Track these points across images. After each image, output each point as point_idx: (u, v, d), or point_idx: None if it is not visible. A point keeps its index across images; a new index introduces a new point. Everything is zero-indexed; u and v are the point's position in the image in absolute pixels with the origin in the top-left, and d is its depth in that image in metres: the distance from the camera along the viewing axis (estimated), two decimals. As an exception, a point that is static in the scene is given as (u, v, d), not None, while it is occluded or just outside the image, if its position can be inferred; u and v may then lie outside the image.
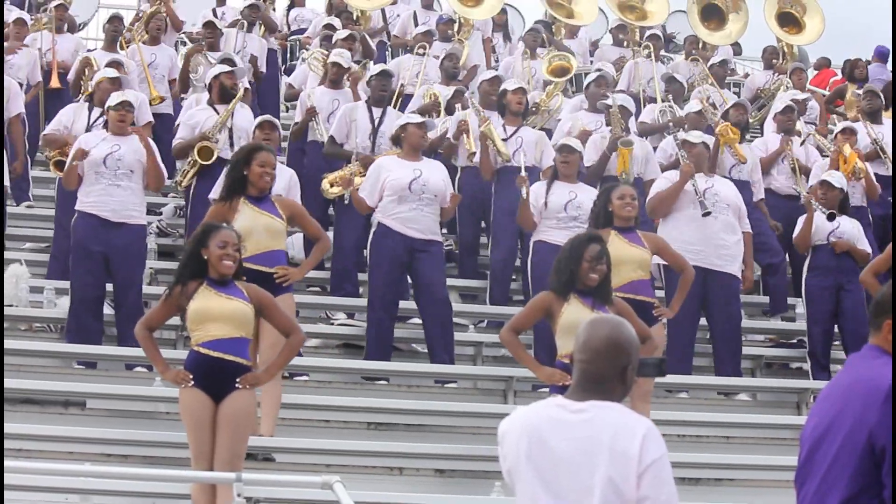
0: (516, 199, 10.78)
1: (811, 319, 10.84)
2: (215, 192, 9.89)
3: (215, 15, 15.67)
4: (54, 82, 13.43)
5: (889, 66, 17.06)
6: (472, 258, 11.81)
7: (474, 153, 11.41)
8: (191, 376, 7.29)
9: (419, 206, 10.05)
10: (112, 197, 9.89)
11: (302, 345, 8.01)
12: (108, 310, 10.09)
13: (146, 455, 8.44)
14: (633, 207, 8.99)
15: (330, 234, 10.79)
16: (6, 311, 10.20)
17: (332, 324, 11.15)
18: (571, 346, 4.36)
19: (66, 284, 10.59)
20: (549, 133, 12.61)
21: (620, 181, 11.07)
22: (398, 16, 16.65)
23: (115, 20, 13.91)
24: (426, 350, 10.32)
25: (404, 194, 10.03)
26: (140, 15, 15.11)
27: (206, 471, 7.19)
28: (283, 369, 8.11)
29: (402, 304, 10.38)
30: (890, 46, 16.97)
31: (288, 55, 16.56)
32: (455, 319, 10.56)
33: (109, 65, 11.89)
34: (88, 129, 10.67)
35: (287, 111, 15.72)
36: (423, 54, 14.37)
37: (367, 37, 14.81)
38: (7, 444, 7.71)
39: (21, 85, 12.80)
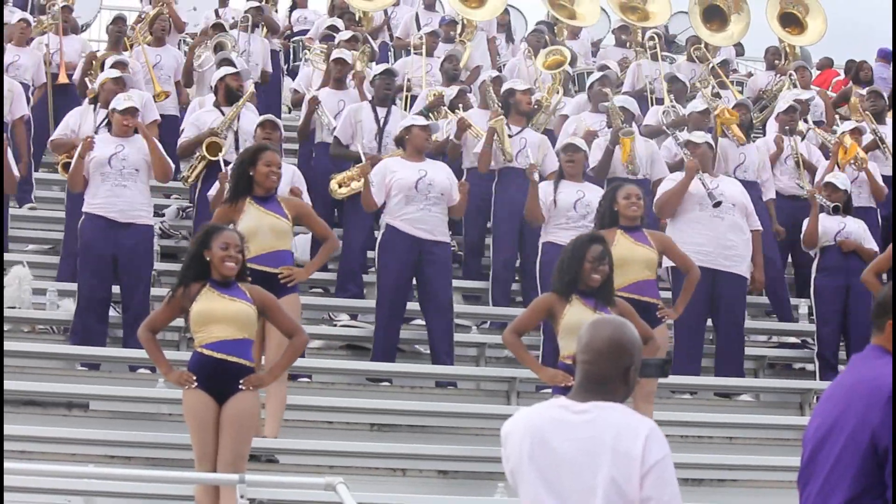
0: (517, 200, 10.81)
1: (821, 319, 10.86)
2: (214, 189, 9.93)
3: (218, 16, 15.68)
4: (62, 78, 13.44)
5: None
6: (476, 259, 11.81)
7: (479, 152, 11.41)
8: (194, 378, 7.29)
9: (427, 205, 10.05)
10: (119, 197, 9.90)
11: (305, 346, 8.02)
12: (112, 312, 10.10)
13: (149, 457, 8.45)
14: (639, 207, 8.98)
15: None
16: (9, 312, 10.22)
17: (335, 325, 11.15)
18: (574, 347, 4.37)
19: (68, 286, 10.62)
20: (551, 133, 12.61)
21: (627, 171, 11.09)
22: (394, 13, 16.67)
23: (118, 21, 13.92)
24: (427, 351, 10.33)
25: (411, 194, 10.03)
26: (142, 16, 15.12)
27: (209, 472, 7.20)
28: (286, 370, 8.11)
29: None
30: (890, 47, 16.95)
31: (290, 56, 16.56)
32: (458, 321, 10.58)
33: (114, 65, 11.90)
34: (95, 131, 10.66)
35: (289, 112, 15.74)
36: (420, 53, 14.40)
37: (369, 38, 14.81)
38: (10, 445, 7.74)
39: (28, 86, 12.84)
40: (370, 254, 11.09)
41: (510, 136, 11.39)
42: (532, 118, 12.48)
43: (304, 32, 16.65)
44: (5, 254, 11.01)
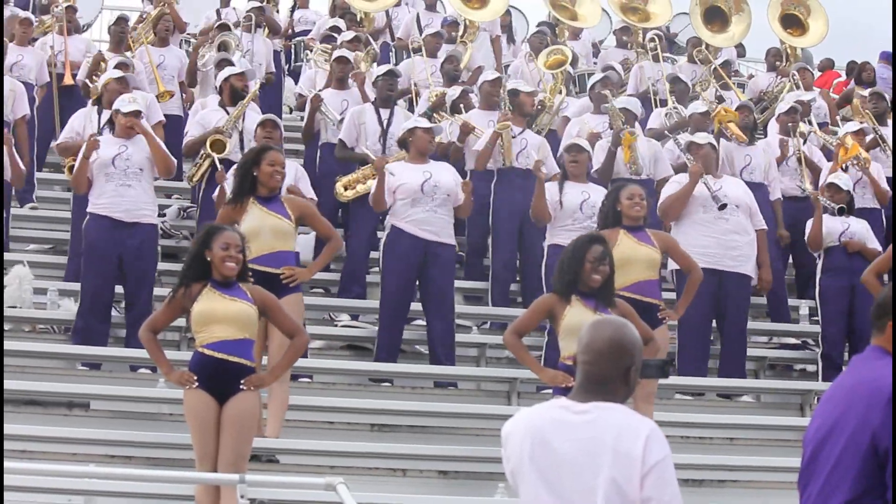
0: (517, 200, 10.82)
1: (826, 320, 10.87)
2: (217, 191, 9.92)
3: (219, 16, 15.68)
4: (67, 79, 13.44)
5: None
6: (479, 260, 11.81)
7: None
8: (195, 378, 7.30)
9: (432, 207, 10.05)
10: (124, 197, 9.92)
11: (306, 346, 8.02)
12: (113, 311, 10.10)
13: (150, 456, 8.46)
14: (642, 207, 8.97)
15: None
16: (10, 312, 10.22)
17: (336, 325, 11.15)
18: (574, 348, 4.37)
19: (68, 286, 10.62)
20: (555, 134, 12.60)
21: (630, 171, 11.07)
22: (395, 14, 16.68)
23: (120, 21, 13.92)
24: (428, 352, 10.33)
25: (417, 196, 10.03)
26: (143, 16, 15.12)
27: (209, 472, 7.20)
28: (287, 371, 8.11)
29: (406, 305, 10.40)
30: (890, 47, 16.96)
31: (292, 56, 16.56)
32: (459, 321, 10.58)
33: (117, 66, 11.90)
34: (99, 132, 10.67)
35: (290, 112, 15.74)
36: (421, 54, 14.41)
37: (370, 39, 14.81)
38: (11, 445, 7.74)
39: (32, 86, 12.84)
40: (373, 254, 11.10)
41: (513, 137, 11.39)
42: (535, 119, 12.49)
43: (306, 33, 16.66)
44: (6, 253, 11.01)
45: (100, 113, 11.13)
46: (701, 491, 8.94)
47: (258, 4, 15.13)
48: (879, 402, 4.02)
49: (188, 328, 7.74)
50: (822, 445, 4.15)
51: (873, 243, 10.95)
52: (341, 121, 11.73)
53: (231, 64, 12.09)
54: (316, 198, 10.39)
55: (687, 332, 10.28)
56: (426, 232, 10.05)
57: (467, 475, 8.86)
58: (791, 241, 11.81)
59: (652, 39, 15.16)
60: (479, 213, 11.42)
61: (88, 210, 10.01)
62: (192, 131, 11.26)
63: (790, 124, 12.54)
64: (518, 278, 11.52)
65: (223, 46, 13.55)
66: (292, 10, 17.99)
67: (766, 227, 10.80)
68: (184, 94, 13.64)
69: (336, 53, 12.81)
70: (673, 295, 10.11)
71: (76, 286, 10.31)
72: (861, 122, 13.01)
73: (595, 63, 16.13)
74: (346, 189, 11.31)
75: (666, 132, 12.44)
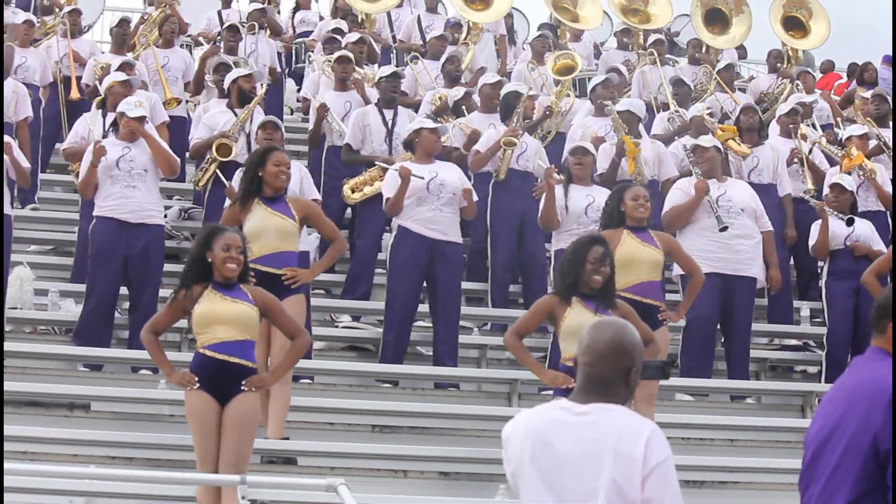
0: (516, 202, 10.82)
1: (833, 322, 10.87)
2: (227, 203, 9.91)
3: (220, 17, 15.68)
4: (74, 94, 13.37)
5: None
6: (482, 261, 11.80)
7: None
8: (196, 379, 7.30)
9: (439, 206, 10.06)
10: (129, 199, 9.92)
11: (308, 347, 8.02)
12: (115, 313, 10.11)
13: (151, 458, 8.46)
14: (646, 209, 8.96)
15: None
16: (11, 313, 10.23)
17: (337, 326, 11.16)
18: (575, 349, 4.36)
19: (69, 286, 10.62)
20: (564, 136, 12.57)
21: (635, 183, 11.05)
22: (397, 15, 16.68)
23: (123, 23, 13.92)
24: (430, 353, 10.32)
25: (423, 195, 10.04)
26: (145, 17, 15.12)
27: (211, 473, 7.20)
28: (288, 372, 8.11)
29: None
30: (891, 48, 16.97)
31: (293, 58, 16.56)
32: (460, 322, 10.56)
33: (119, 68, 11.90)
34: (105, 136, 10.66)
35: (291, 113, 15.74)
36: (417, 57, 14.41)
37: (371, 40, 14.82)
38: (12, 446, 7.75)
39: (37, 87, 12.83)
40: (380, 256, 11.10)
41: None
42: (540, 124, 12.50)
43: (307, 34, 16.67)
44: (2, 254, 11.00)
45: (104, 116, 11.12)
46: (702, 492, 8.95)
47: (259, 6, 15.12)
48: (880, 404, 4.01)
49: (189, 329, 7.75)
50: (824, 447, 4.14)
51: (878, 245, 10.97)
52: (346, 146, 11.68)
53: (229, 67, 12.07)
54: (320, 198, 10.39)
55: (692, 333, 10.28)
56: (433, 231, 10.05)
57: (468, 476, 8.86)
58: (794, 243, 11.79)
59: (653, 44, 15.12)
60: (478, 214, 11.43)
61: (94, 213, 10.00)
62: (199, 132, 11.25)
63: (791, 126, 12.53)
64: (518, 279, 11.52)
65: (231, 51, 13.57)
66: (293, 12, 17.99)
67: (772, 228, 10.79)
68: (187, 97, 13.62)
69: (337, 53, 12.80)
70: (678, 297, 10.12)
71: (76, 287, 10.30)
72: (863, 124, 13.01)
73: (596, 65, 16.13)
74: (353, 191, 11.31)
75: (675, 137, 12.42)
